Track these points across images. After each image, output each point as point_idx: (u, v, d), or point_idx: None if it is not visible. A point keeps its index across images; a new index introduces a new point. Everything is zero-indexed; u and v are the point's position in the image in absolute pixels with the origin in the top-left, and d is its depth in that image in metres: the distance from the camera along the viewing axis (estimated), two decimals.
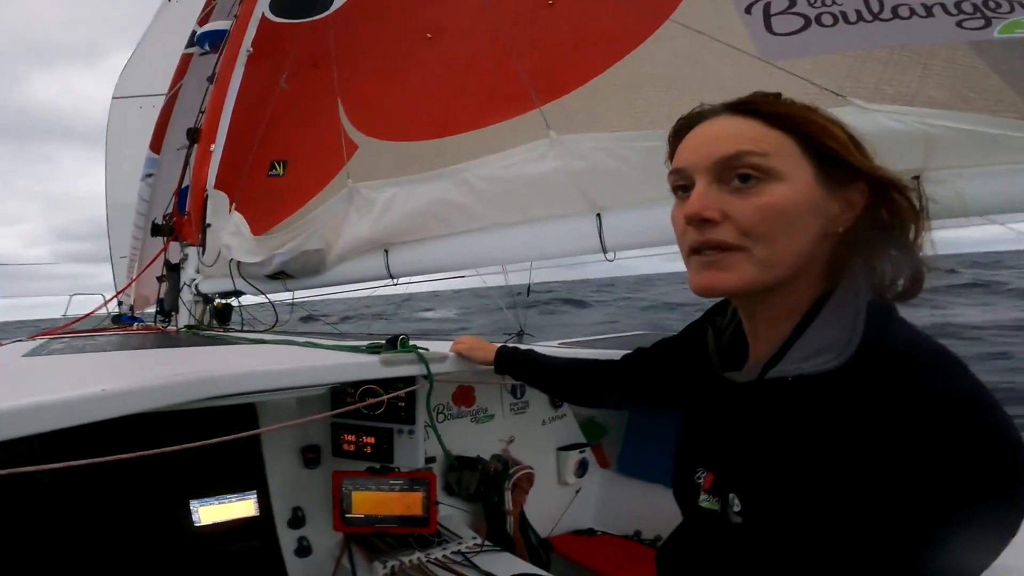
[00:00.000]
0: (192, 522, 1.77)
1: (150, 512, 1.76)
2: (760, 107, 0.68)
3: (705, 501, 0.73)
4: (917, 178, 1.26)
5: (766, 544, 0.65)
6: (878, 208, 0.66)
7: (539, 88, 1.88)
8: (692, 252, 0.69)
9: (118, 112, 6.72)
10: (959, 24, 1.19)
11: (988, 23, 1.17)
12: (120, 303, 4.65)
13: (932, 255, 0.65)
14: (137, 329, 3.51)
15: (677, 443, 0.84)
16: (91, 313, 3.63)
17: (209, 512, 1.81)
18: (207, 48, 3.48)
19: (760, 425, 0.69)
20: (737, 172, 0.65)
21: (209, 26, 3.39)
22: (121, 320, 4.02)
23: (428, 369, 1.56)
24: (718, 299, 0.86)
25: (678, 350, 0.98)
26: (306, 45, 2.79)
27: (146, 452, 1.08)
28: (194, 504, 1.78)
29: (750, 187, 0.64)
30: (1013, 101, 1.13)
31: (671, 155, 0.75)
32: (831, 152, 0.65)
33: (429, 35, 2.29)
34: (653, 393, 1.13)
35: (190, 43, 4.04)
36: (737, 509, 0.68)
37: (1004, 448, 0.53)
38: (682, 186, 0.71)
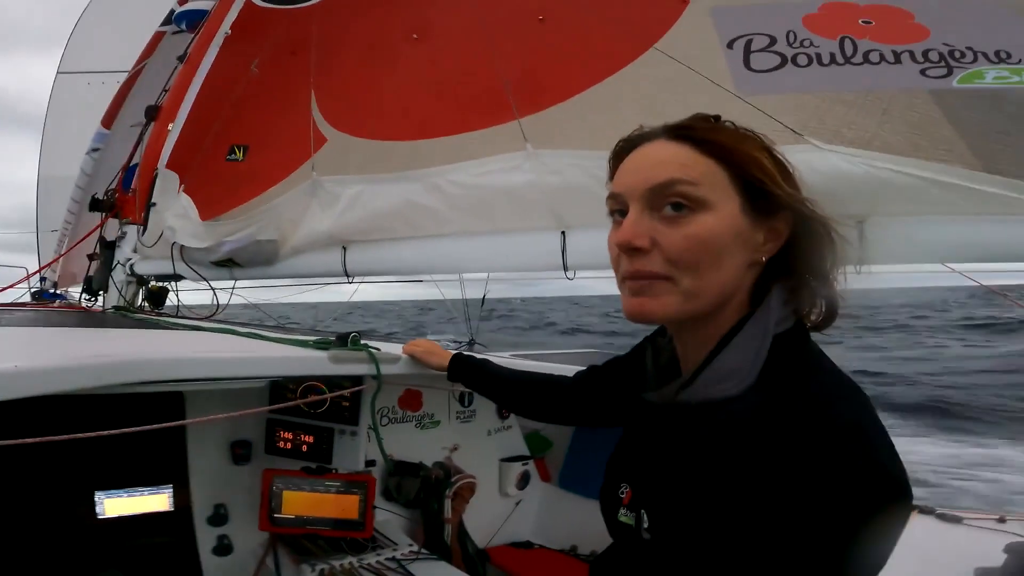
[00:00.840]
0: (96, 513, 1.64)
1: (53, 499, 1.62)
2: (695, 133, 0.68)
3: (623, 516, 0.75)
4: (861, 222, 1.35)
5: (669, 561, 0.67)
6: (800, 238, 0.68)
7: (520, 100, 1.91)
8: (624, 278, 0.70)
9: (62, 86, 6.55)
10: (923, 72, 1.28)
11: (950, 72, 1.26)
12: (43, 279, 4.32)
13: (850, 288, 0.68)
14: (59, 306, 3.27)
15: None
16: (12, 286, 3.36)
17: (116, 504, 1.69)
18: (183, 27, 3.38)
19: (667, 446, 0.71)
20: (669, 200, 0.66)
21: (189, 5, 3.31)
22: (43, 296, 3.73)
23: (378, 370, 1.52)
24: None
25: (625, 369, 0.99)
26: (287, 32, 2.74)
27: (52, 438, 0.98)
28: (99, 495, 1.66)
29: (680, 216, 0.65)
30: (961, 152, 1.21)
31: (611, 177, 0.75)
32: (757, 182, 0.66)
33: (415, 35, 2.29)
34: (601, 411, 1.13)
35: (166, 21, 3.91)
36: (646, 525, 0.70)
37: (882, 479, 0.56)
38: (618, 210, 0.71)
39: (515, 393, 1.38)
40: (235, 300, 2.87)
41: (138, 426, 1.12)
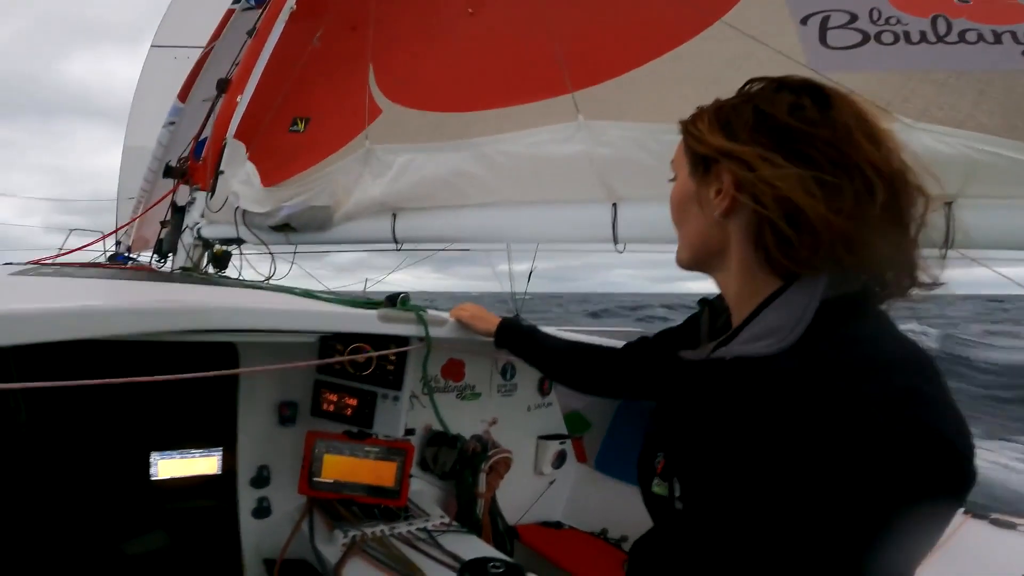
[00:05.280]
0: (150, 475, 1.72)
1: (113, 458, 1.70)
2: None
3: (656, 486, 0.72)
4: (949, 204, 1.24)
5: (701, 532, 0.64)
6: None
7: (574, 73, 1.84)
8: None
9: (153, 60, 6.90)
10: None
11: None
12: (118, 243, 4.59)
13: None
14: (130, 267, 3.46)
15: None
16: (87, 246, 3.58)
17: (168, 466, 1.75)
18: (252, 3, 3.50)
19: (698, 408, 0.68)
20: None
21: None
22: (116, 259, 3.97)
23: (427, 330, 1.52)
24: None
25: (678, 337, 0.98)
26: (347, 6, 2.77)
27: (116, 380, 1.02)
28: (154, 456, 1.73)
29: None
30: None
31: None
32: (688, 146, 0.74)
33: (471, 10, 2.26)
34: (649, 383, 1.09)
35: None
36: (678, 495, 0.67)
37: (937, 448, 0.50)
38: None
39: (562, 361, 1.35)
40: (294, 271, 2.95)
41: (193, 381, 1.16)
